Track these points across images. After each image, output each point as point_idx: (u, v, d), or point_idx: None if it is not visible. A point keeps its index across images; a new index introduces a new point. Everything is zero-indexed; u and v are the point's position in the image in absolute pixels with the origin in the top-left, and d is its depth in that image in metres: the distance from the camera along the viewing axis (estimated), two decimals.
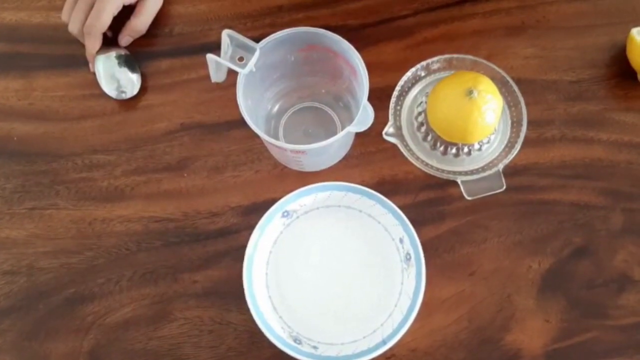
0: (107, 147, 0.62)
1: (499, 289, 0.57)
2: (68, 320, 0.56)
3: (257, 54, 0.51)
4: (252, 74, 0.52)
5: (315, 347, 0.53)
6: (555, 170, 0.60)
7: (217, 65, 0.51)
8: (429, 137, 0.59)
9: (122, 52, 0.63)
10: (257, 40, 0.51)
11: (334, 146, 0.56)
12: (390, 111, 0.59)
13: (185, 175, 0.61)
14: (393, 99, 0.60)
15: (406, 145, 0.59)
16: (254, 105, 0.55)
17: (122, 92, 0.62)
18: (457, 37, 0.65)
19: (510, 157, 0.58)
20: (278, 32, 0.52)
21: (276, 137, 0.61)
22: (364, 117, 0.49)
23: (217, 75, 0.53)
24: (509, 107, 0.60)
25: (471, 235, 0.58)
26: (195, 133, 0.62)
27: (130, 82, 0.63)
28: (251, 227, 0.55)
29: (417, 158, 0.59)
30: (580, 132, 0.62)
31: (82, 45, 0.63)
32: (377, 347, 0.52)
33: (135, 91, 0.62)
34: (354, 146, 0.61)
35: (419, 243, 0.54)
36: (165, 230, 0.59)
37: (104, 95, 0.63)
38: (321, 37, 0.52)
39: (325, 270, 0.57)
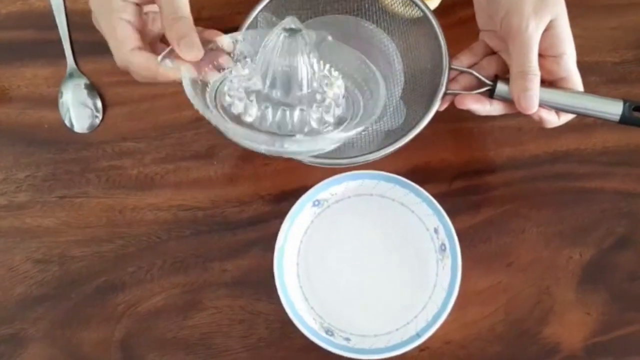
0: (136, 134, 0.61)
1: (537, 281, 0.55)
2: (100, 309, 0.57)
3: None
4: None
5: (347, 339, 0.53)
6: (597, 156, 0.58)
7: None
8: None
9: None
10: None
11: None
12: None
13: (215, 163, 0.60)
14: None
15: None
16: None
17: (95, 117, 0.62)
18: None
19: None
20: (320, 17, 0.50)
21: None
22: (398, 114, 0.48)
23: None
24: None
25: (509, 224, 0.57)
26: None
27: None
28: (281, 216, 0.54)
29: None
30: None
31: None
32: (411, 340, 0.51)
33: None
34: None
35: (455, 233, 0.52)
36: (195, 218, 0.58)
37: (132, 81, 0.62)
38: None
39: (357, 261, 0.56)
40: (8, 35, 0.65)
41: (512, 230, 0.57)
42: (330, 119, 0.47)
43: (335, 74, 0.48)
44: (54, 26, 0.64)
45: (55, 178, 0.60)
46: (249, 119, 0.47)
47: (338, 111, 0.48)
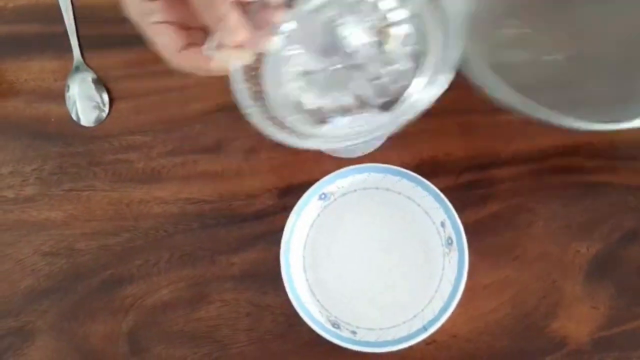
0: (143, 128, 0.61)
1: (544, 275, 0.55)
2: (106, 302, 0.57)
3: None
4: None
5: (354, 332, 0.53)
6: (605, 150, 0.58)
7: None
8: None
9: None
10: None
11: None
12: None
13: (221, 156, 0.60)
14: None
15: None
16: None
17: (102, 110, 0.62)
18: None
19: None
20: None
21: None
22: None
23: None
24: None
25: (515, 218, 0.56)
26: (231, 114, 0.60)
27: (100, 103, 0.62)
28: (288, 210, 0.54)
29: None
30: None
31: (113, 25, 0.61)
32: (417, 333, 0.51)
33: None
34: None
35: (461, 227, 0.52)
36: (202, 212, 0.59)
37: (139, 75, 0.62)
38: None
39: (364, 254, 0.56)
40: (15, 28, 0.65)
41: (519, 224, 0.56)
42: (406, 65, 0.47)
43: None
44: (60, 19, 0.64)
45: (62, 171, 0.61)
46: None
47: (408, 54, 0.47)
